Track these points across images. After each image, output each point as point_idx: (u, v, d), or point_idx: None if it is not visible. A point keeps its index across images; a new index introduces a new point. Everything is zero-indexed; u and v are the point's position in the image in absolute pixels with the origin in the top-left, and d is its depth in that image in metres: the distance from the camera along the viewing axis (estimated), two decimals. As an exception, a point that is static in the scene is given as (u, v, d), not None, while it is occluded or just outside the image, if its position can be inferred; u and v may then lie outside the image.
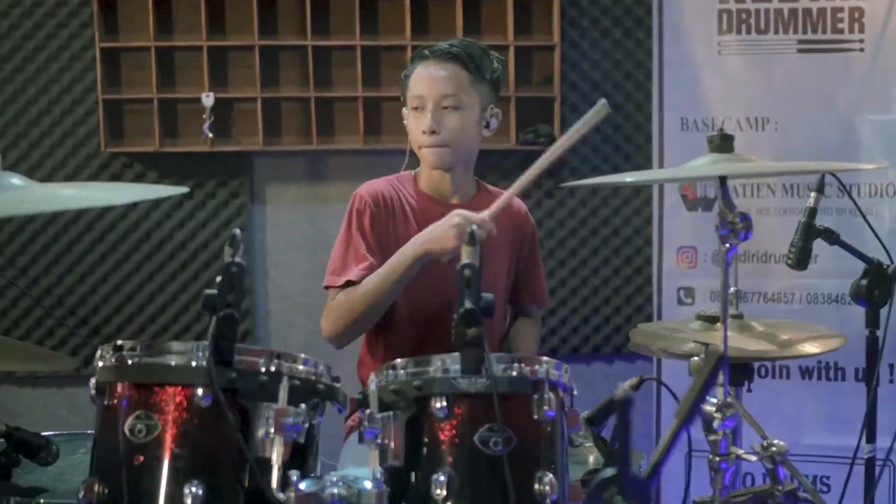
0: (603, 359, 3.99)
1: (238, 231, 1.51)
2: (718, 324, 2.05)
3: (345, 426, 2.47)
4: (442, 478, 1.51)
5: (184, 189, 1.83)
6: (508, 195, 2.23)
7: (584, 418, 1.72)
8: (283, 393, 1.49)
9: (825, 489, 3.40)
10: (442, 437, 1.54)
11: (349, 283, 2.30)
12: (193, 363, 1.48)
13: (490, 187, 2.56)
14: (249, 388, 1.49)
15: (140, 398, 1.49)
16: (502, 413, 1.50)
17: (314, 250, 3.76)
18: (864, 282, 2.45)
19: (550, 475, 1.53)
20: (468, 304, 1.48)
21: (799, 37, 3.45)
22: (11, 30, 3.66)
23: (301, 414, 1.48)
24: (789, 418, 3.38)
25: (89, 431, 1.58)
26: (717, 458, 1.74)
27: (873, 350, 2.49)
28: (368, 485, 1.48)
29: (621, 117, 3.88)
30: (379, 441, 1.54)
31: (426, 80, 2.36)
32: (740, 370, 2.31)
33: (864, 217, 2.62)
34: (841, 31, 3.42)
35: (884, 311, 2.47)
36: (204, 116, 3.64)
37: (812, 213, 2.53)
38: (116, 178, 3.74)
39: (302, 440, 1.50)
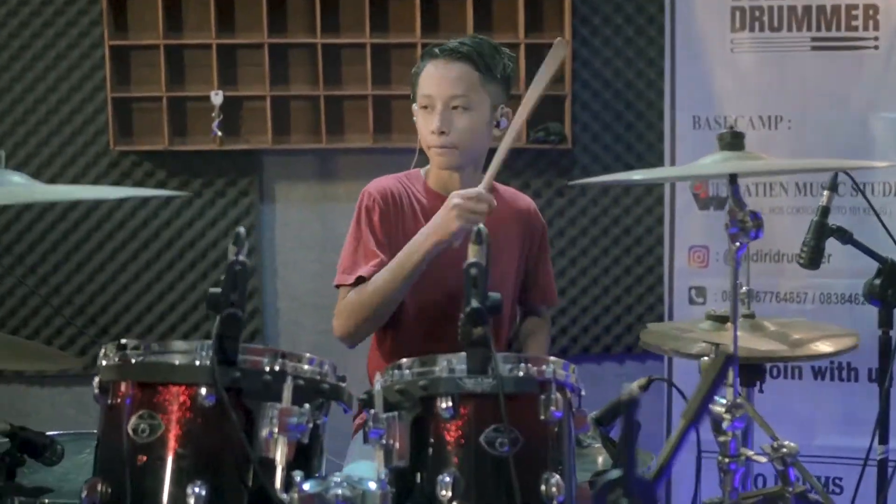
0: (614, 359, 3.97)
1: (242, 229, 1.50)
2: (729, 323, 2.03)
3: (353, 424, 2.47)
4: (447, 479, 1.49)
5: (181, 193, 1.83)
6: (498, 160, 2.22)
7: (592, 419, 1.70)
8: (287, 392, 1.48)
9: (838, 490, 3.38)
10: (447, 437, 1.53)
11: (360, 280, 2.29)
12: (197, 362, 1.47)
13: (500, 186, 2.55)
14: (253, 387, 1.48)
15: (143, 397, 1.49)
16: (509, 413, 1.48)
17: (323, 249, 3.75)
18: (877, 281, 2.43)
19: (557, 476, 1.51)
20: (474, 303, 1.47)
21: (813, 34, 3.42)
22: (21, 27, 3.66)
23: (305, 414, 1.47)
24: (802, 419, 3.36)
25: (94, 431, 1.56)
26: (727, 460, 1.72)
27: (887, 350, 2.47)
28: (373, 485, 1.47)
29: (633, 116, 3.86)
30: (384, 441, 1.53)
31: (435, 79, 2.35)
32: (752, 370, 2.29)
33: (877, 216, 2.60)
34: (855, 29, 3.40)
35: (897, 311, 2.45)
36: (213, 115, 3.63)
37: (825, 211, 2.51)
38: (125, 176, 3.73)
39: (306, 440, 1.48)
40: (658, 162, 3.73)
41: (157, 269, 3.79)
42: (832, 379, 3.41)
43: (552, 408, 1.54)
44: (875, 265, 2.46)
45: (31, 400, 3.82)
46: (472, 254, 1.51)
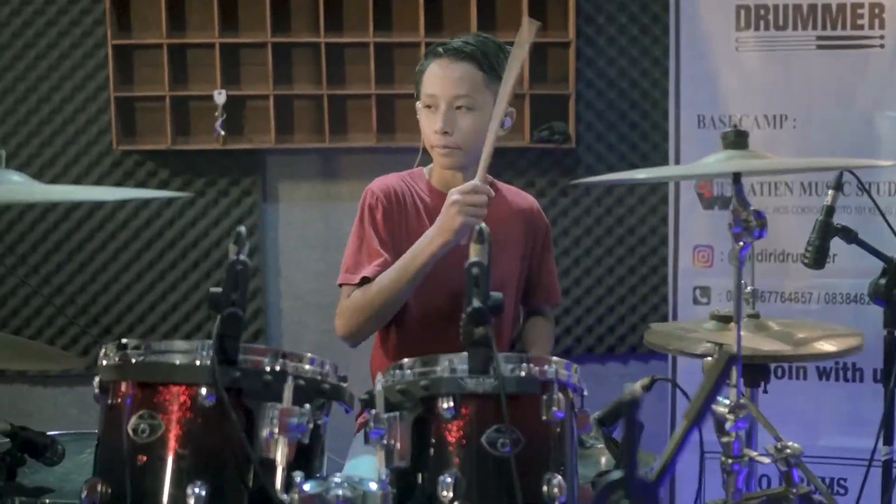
0: (618, 359, 3.96)
1: (243, 228, 1.49)
2: (732, 323, 2.01)
3: (356, 424, 2.46)
4: (449, 479, 1.49)
5: (182, 194, 1.83)
6: (487, 150, 2.19)
7: (595, 419, 1.69)
8: (287, 393, 1.48)
9: (842, 491, 3.36)
10: (449, 437, 1.52)
11: (364, 281, 2.29)
12: (197, 362, 1.47)
13: (503, 185, 2.54)
14: (253, 387, 1.48)
15: (143, 397, 1.48)
16: (510, 414, 1.48)
17: (327, 249, 3.75)
18: (882, 281, 2.42)
19: (559, 477, 1.51)
20: (476, 303, 1.46)
21: (818, 33, 3.41)
22: (24, 27, 3.66)
23: (306, 414, 1.46)
24: (806, 419, 3.34)
25: (96, 431, 1.56)
26: (730, 461, 1.71)
27: (892, 350, 2.45)
28: (374, 486, 1.46)
29: (637, 115, 3.86)
30: (385, 442, 1.52)
31: (439, 78, 2.33)
32: (756, 370, 2.28)
33: (882, 215, 2.58)
34: (861, 28, 3.38)
35: (902, 311, 2.43)
36: (216, 114, 3.63)
37: (829, 211, 2.50)
38: (129, 175, 3.73)
39: (306, 440, 1.48)
40: (663, 161, 3.72)
41: (160, 269, 3.78)
42: (837, 379, 3.40)
43: (554, 408, 1.54)
44: (880, 265, 2.44)
45: (33, 400, 3.82)
46: (474, 253, 1.50)
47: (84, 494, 1.45)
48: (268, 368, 1.50)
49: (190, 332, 3.78)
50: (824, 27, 3.40)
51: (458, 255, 1.96)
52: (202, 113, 3.68)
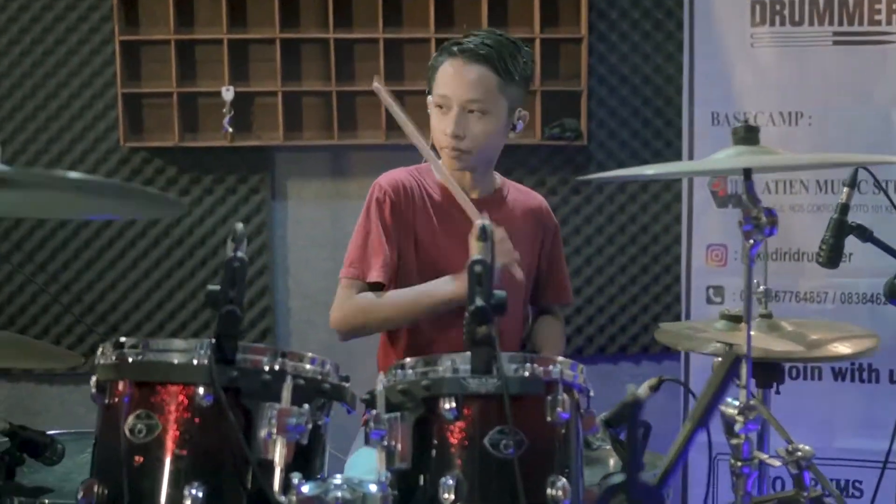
0: (630, 359, 3.92)
1: (240, 225, 1.48)
2: (743, 323, 1.98)
3: (361, 421, 2.44)
4: (450, 481, 1.47)
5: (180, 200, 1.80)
6: (457, 192, 2.25)
7: (602, 420, 1.66)
8: (286, 392, 1.46)
9: (857, 494, 3.32)
10: (451, 439, 1.51)
11: (375, 285, 2.29)
12: (195, 361, 1.46)
13: (512, 184, 2.52)
14: (252, 387, 1.46)
15: (141, 397, 1.47)
16: (514, 415, 1.46)
17: (335, 247, 3.72)
18: (898, 281, 2.39)
19: (563, 480, 1.48)
20: (479, 302, 1.44)
21: (835, 28, 3.36)
22: (32, 23, 3.64)
23: (304, 414, 1.45)
24: (821, 421, 3.31)
25: (97, 431, 1.55)
26: (740, 463, 1.67)
27: (908, 351, 2.42)
28: (373, 488, 1.44)
29: (650, 112, 3.82)
30: (386, 443, 1.51)
31: (453, 79, 2.30)
32: (768, 371, 2.24)
33: (899, 214, 2.55)
34: (878, 23, 3.34)
35: (920, 312, 2.40)
36: (224, 111, 3.61)
37: (844, 208, 2.46)
38: (136, 173, 3.72)
39: (305, 441, 1.46)
40: (676, 159, 3.68)
41: (168, 267, 3.76)
42: (853, 380, 3.35)
43: (559, 409, 1.52)
44: (896, 264, 2.41)
45: (40, 398, 3.81)
46: (477, 251, 1.47)
47: (80, 495, 1.44)
48: (266, 368, 1.49)
49: (198, 329, 3.76)
50: (841, 22, 3.36)
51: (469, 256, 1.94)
52: (210, 109, 3.66)
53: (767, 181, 3.39)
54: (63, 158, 3.69)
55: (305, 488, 1.40)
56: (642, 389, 1.75)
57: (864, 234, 2.45)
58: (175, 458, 1.42)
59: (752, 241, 1.64)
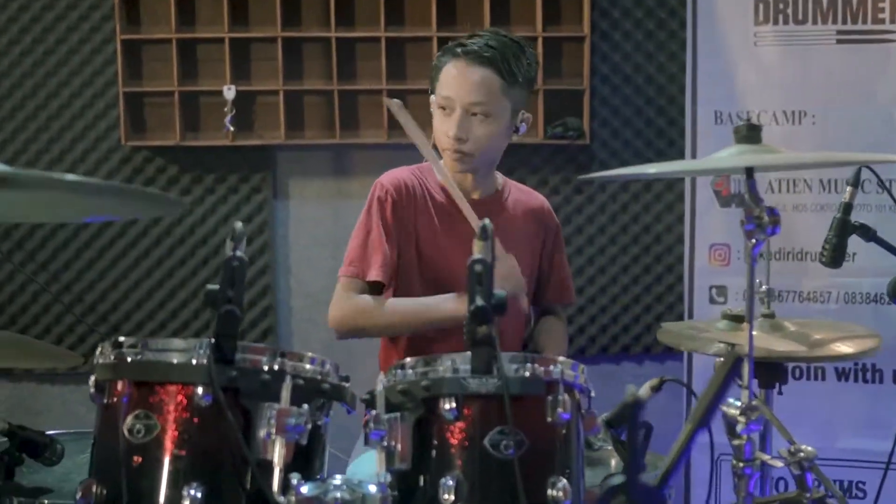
0: (633, 359, 3.91)
1: (239, 224, 1.48)
2: (746, 323, 1.97)
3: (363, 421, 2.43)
4: (450, 482, 1.46)
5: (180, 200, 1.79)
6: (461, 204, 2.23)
7: (603, 421, 1.65)
8: (285, 392, 1.46)
9: (861, 494, 3.31)
10: (451, 439, 1.49)
11: (375, 285, 2.29)
12: (194, 361, 1.45)
13: (513, 183, 2.51)
14: (251, 387, 1.46)
15: (139, 397, 1.47)
16: (514, 415, 1.45)
17: (337, 246, 3.68)
18: (902, 280, 2.38)
19: (564, 480, 1.47)
20: (479, 301, 1.43)
21: (838, 27, 3.35)
22: (33, 22, 3.64)
23: (304, 414, 1.45)
24: (824, 421, 3.30)
25: (98, 431, 1.54)
26: (741, 464, 1.66)
27: (912, 351, 2.42)
28: (373, 489, 1.44)
29: (653, 111, 3.81)
30: (385, 443, 1.50)
31: (457, 81, 2.29)
32: (771, 371, 2.24)
33: (902, 213, 2.54)
34: (882, 22, 3.33)
35: (923, 312, 2.39)
36: (225, 110, 3.60)
37: (847, 208, 2.46)
38: (137, 172, 3.72)
39: (305, 441, 1.46)
40: (678, 158, 3.67)
41: (169, 266, 3.76)
42: (856, 380, 3.34)
43: (559, 409, 1.51)
44: (900, 264, 2.41)
45: (41, 398, 3.81)
46: (477, 250, 1.46)
47: (79, 496, 1.44)
48: (266, 368, 1.48)
49: (200, 329, 3.75)
50: (844, 21, 3.35)
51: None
52: (211, 108, 3.66)
53: (770, 180, 3.38)
54: (64, 158, 3.69)
55: (305, 489, 1.40)
56: (643, 390, 1.74)
57: (868, 234, 2.44)
58: (174, 459, 1.42)
59: (754, 241, 1.64)
